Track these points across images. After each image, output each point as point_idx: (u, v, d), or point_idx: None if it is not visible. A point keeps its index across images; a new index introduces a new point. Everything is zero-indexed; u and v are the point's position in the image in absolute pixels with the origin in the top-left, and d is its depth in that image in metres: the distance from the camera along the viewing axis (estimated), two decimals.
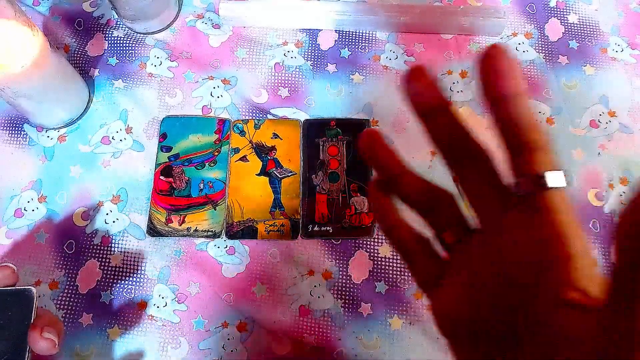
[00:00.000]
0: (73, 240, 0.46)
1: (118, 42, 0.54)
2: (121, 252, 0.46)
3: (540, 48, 0.53)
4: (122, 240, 0.46)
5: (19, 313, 0.31)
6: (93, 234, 0.46)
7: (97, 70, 0.52)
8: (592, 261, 0.19)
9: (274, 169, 0.48)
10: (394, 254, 0.46)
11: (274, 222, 0.46)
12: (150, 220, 0.47)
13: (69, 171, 0.48)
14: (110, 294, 0.45)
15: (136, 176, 0.48)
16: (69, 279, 0.45)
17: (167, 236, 0.46)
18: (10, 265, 0.32)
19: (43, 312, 0.33)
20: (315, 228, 0.46)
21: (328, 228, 0.46)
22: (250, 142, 0.49)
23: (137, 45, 0.53)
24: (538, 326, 0.19)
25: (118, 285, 0.45)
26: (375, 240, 0.46)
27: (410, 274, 0.25)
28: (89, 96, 0.51)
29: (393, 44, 0.53)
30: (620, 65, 0.53)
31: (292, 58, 0.53)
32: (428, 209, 0.25)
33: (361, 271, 0.45)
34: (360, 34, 0.54)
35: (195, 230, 0.46)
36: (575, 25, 0.55)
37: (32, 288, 0.32)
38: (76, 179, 0.48)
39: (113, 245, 0.46)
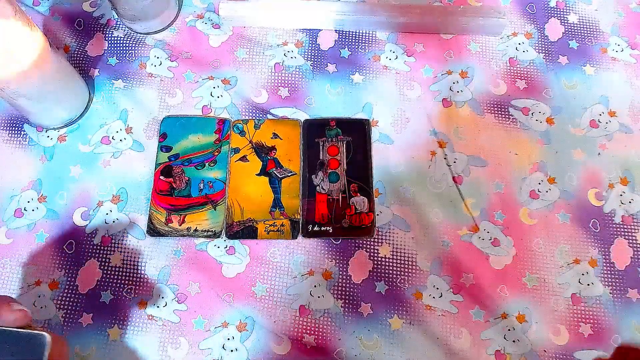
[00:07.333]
0: (73, 240, 0.46)
1: (118, 42, 0.54)
2: (121, 252, 0.46)
3: (540, 48, 0.53)
4: (122, 240, 0.46)
5: None
6: (93, 234, 0.46)
7: (97, 70, 0.52)
8: None
9: (274, 169, 0.48)
10: (394, 253, 0.46)
11: (274, 222, 0.46)
12: (150, 220, 0.47)
13: (69, 171, 0.48)
14: (110, 294, 0.45)
15: (136, 176, 0.48)
16: (69, 279, 0.45)
17: (167, 236, 0.46)
18: (23, 307, 0.30)
19: (57, 354, 0.30)
20: (315, 228, 0.46)
21: (328, 228, 0.46)
22: (250, 142, 0.49)
23: (137, 45, 0.53)
24: None
25: (118, 285, 0.45)
26: (375, 240, 0.46)
27: None
28: (89, 96, 0.51)
29: (393, 44, 0.53)
30: (620, 65, 0.53)
31: (292, 58, 0.53)
32: None
33: (361, 271, 0.45)
34: (360, 34, 0.54)
35: (195, 230, 0.46)
36: (575, 25, 0.55)
37: (46, 335, 0.29)
38: (76, 179, 0.48)
39: (113, 245, 0.46)
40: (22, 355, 0.28)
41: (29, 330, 0.29)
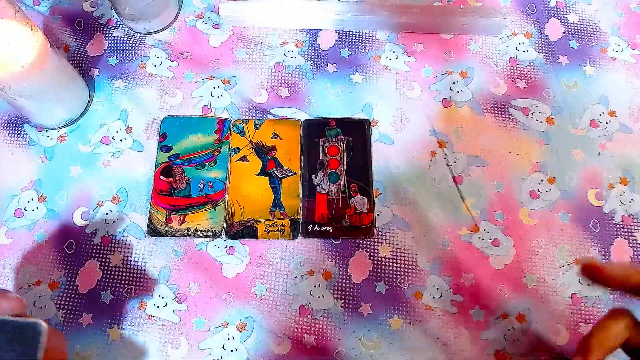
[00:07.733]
0: (73, 240, 0.46)
1: (118, 42, 0.54)
2: (121, 252, 0.46)
3: (540, 48, 0.53)
4: (122, 240, 0.46)
5: (23, 350, 0.28)
6: (93, 234, 0.46)
7: (97, 70, 0.52)
8: None
9: (274, 168, 0.48)
10: (394, 253, 0.46)
11: (274, 222, 0.46)
12: (150, 220, 0.47)
13: (69, 171, 0.48)
14: (110, 294, 0.45)
15: (136, 176, 0.48)
16: (69, 279, 0.45)
17: (167, 236, 0.46)
18: (18, 296, 0.30)
19: (53, 344, 0.29)
20: (315, 228, 0.46)
21: (328, 228, 0.46)
22: (250, 142, 0.49)
23: (137, 45, 0.53)
24: None
25: (118, 285, 0.45)
26: (375, 240, 0.46)
27: None
28: (89, 96, 0.51)
29: (393, 44, 0.53)
30: (620, 65, 0.53)
31: (292, 58, 0.53)
32: None
33: (361, 271, 0.45)
34: (360, 34, 0.54)
35: (195, 230, 0.46)
36: (575, 25, 0.55)
37: (42, 323, 0.28)
38: (76, 179, 0.48)
39: (113, 245, 0.46)
40: (18, 343, 0.28)
41: (25, 319, 0.29)
